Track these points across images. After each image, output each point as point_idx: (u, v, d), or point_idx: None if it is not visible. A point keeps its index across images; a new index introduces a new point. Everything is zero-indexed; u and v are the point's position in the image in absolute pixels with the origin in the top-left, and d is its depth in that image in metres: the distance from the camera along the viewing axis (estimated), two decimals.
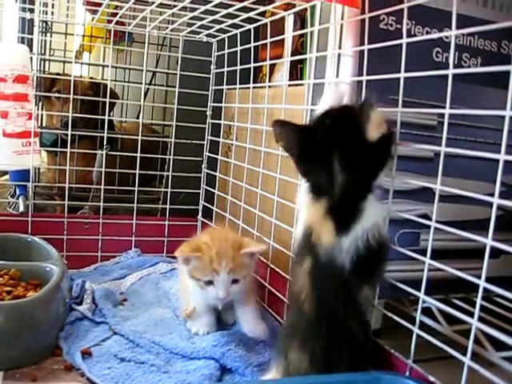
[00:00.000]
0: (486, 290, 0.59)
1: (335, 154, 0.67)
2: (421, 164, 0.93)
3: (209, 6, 1.08)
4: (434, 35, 0.91)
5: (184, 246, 0.98)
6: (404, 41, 0.74)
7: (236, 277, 0.94)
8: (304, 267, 0.70)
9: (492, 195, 0.57)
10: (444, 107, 0.66)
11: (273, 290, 1.10)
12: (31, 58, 1.37)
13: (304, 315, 0.70)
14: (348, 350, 0.68)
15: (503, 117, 0.56)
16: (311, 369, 0.68)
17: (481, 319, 0.61)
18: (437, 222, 0.68)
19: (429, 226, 0.69)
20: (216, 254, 0.93)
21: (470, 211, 0.94)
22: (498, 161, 0.57)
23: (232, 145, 1.42)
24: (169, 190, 1.50)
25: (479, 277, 0.59)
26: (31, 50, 1.44)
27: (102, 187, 1.43)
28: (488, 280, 0.59)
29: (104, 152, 1.47)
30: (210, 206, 1.49)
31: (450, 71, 0.65)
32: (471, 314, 0.61)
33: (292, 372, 0.71)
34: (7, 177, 1.64)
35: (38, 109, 1.55)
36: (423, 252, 0.70)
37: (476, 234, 0.61)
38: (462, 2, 0.96)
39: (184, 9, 1.16)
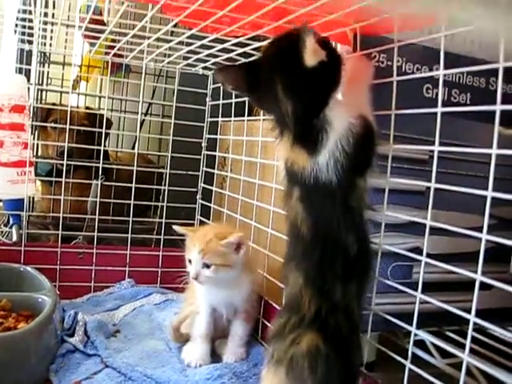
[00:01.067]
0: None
1: (277, 83, 0.68)
2: (412, 197, 0.94)
3: (205, 41, 1.10)
4: (424, 74, 0.93)
5: (180, 226, 1.07)
6: (395, 79, 0.76)
7: (206, 261, 0.98)
8: (294, 196, 0.71)
9: (482, 228, 0.58)
10: (434, 142, 0.68)
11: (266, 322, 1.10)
12: (28, 88, 1.39)
13: (301, 238, 0.71)
14: (341, 263, 0.68)
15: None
16: (306, 285, 0.69)
17: (474, 352, 0.61)
18: (428, 254, 0.69)
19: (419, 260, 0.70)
20: (197, 236, 1.01)
21: (461, 244, 0.95)
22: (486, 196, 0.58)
23: (227, 176, 1.43)
24: (163, 220, 1.50)
25: (471, 309, 0.59)
26: (28, 80, 1.46)
27: (97, 217, 1.43)
28: (480, 312, 0.59)
29: (99, 182, 1.47)
30: None
31: (439, 109, 0.67)
32: (464, 347, 0.62)
33: (291, 292, 0.72)
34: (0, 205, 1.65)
35: (33, 138, 1.56)
36: (416, 285, 0.71)
37: (468, 266, 0.62)
38: (451, 41, 0.98)
39: (181, 43, 1.18)
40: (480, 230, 0.59)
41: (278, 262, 1.03)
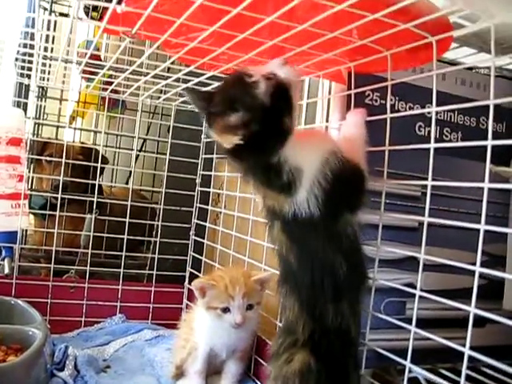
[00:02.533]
0: (473, 360, 0.59)
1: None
2: (405, 233, 0.95)
3: (202, 79, 1.12)
4: (417, 111, 0.96)
5: (197, 280, 1.04)
6: (388, 116, 0.78)
7: (250, 302, 0.98)
8: (276, 228, 0.73)
9: (474, 264, 0.59)
10: (427, 179, 0.69)
11: (259, 358, 1.09)
12: (25, 122, 1.40)
13: (289, 265, 0.72)
14: (331, 284, 0.69)
15: (483, 188, 0.59)
16: (300, 309, 0.70)
17: None
18: (422, 290, 0.70)
19: (414, 295, 0.70)
20: (230, 281, 0.99)
21: (455, 280, 0.96)
22: (479, 230, 0.59)
23: (220, 213, 1.44)
24: (156, 255, 1.50)
25: (464, 346, 0.59)
26: (25, 113, 1.48)
27: (90, 251, 1.43)
28: (474, 349, 0.59)
29: (93, 216, 1.47)
30: (197, 273, 1.49)
31: (432, 145, 0.68)
32: None
33: (288, 316, 0.73)
34: None
35: (28, 171, 1.57)
36: (410, 321, 0.71)
37: (460, 303, 0.62)
38: (442, 80, 1.01)
39: (177, 80, 1.20)
40: (473, 266, 0.60)
41: (272, 297, 1.03)
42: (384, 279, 0.79)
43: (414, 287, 0.71)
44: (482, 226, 0.57)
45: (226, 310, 0.97)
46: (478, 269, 0.58)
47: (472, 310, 0.58)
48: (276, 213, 0.71)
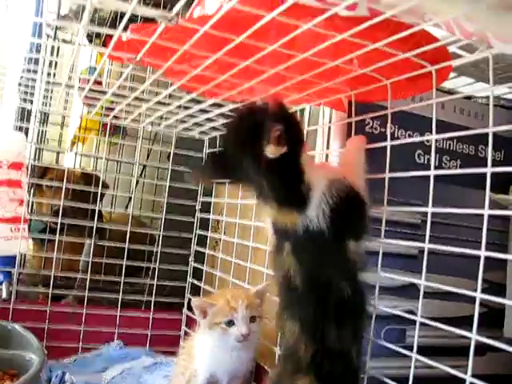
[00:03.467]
0: None
1: (248, 168, 0.72)
2: (405, 261, 0.95)
3: (203, 106, 1.13)
4: (417, 139, 0.97)
5: (197, 298, 1.06)
6: (388, 143, 0.78)
7: (253, 314, 0.98)
8: (285, 252, 0.72)
9: (474, 292, 0.59)
10: (426, 205, 0.70)
11: None
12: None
13: (294, 288, 0.71)
14: (335, 307, 0.69)
15: (482, 216, 0.59)
16: (302, 332, 0.70)
17: None
18: (422, 318, 0.70)
19: (414, 323, 0.70)
20: (231, 296, 1.00)
21: (455, 308, 0.96)
22: (479, 258, 0.59)
23: (220, 239, 1.44)
24: (155, 282, 1.49)
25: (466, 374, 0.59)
26: (27, 138, 1.48)
27: (88, 276, 1.42)
28: (474, 378, 0.59)
29: (92, 241, 1.47)
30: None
31: (432, 172, 0.69)
32: None
33: (288, 341, 0.73)
34: None
35: (29, 196, 1.57)
36: (410, 348, 0.71)
37: (461, 330, 0.62)
38: (441, 109, 1.02)
39: (178, 107, 1.21)
40: (474, 292, 0.60)
41: (271, 324, 1.02)
42: (384, 306, 0.79)
43: (414, 315, 0.71)
44: (483, 253, 0.58)
45: (230, 322, 0.97)
46: (478, 295, 0.58)
47: (473, 336, 0.58)
48: (287, 233, 0.71)
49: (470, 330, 0.59)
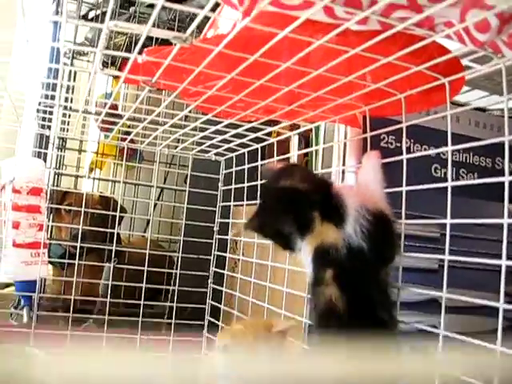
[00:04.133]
0: None
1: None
2: (425, 275, 0.94)
3: (219, 127, 1.14)
4: (432, 151, 0.97)
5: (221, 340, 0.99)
6: (404, 157, 0.79)
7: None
8: (326, 280, 0.70)
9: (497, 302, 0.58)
10: (445, 217, 0.69)
11: None
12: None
13: (336, 315, 0.69)
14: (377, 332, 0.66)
15: (501, 228, 0.59)
16: None
17: None
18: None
19: (436, 338, 0.69)
20: (253, 337, 0.94)
21: (476, 322, 0.94)
22: (499, 271, 0.59)
23: (238, 260, 1.44)
24: (174, 304, 1.49)
25: None
26: (45, 164, 1.51)
27: (108, 300, 1.43)
28: None
29: (112, 265, 1.48)
30: (215, 321, 1.48)
31: (449, 184, 0.69)
32: None
33: None
34: (10, 288, 1.65)
35: (48, 221, 1.59)
36: None
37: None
38: (457, 122, 1.02)
39: (194, 129, 1.23)
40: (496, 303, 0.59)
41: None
42: (406, 321, 0.78)
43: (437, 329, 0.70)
44: (504, 262, 0.57)
45: None
46: (502, 305, 0.57)
47: (498, 348, 0.57)
48: (328, 254, 0.70)
49: (494, 343, 0.58)
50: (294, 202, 0.72)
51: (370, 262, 0.68)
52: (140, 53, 0.74)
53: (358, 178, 0.90)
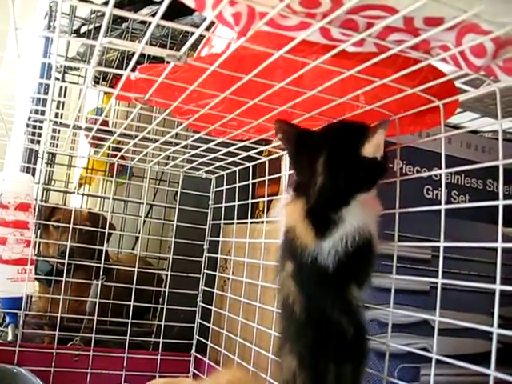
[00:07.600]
0: None
1: (322, 154, 0.69)
2: (417, 297, 0.94)
3: (211, 145, 1.14)
4: (427, 173, 0.97)
5: None
6: (398, 178, 0.78)
7: None
8: (286, 271, 0.70)
9: (491, 327, 0.58)
10: (436, 241, 0.69)
11: None
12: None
13: (294, 318, 0.68)
14: (335, 346, 0.66)
15: (495, 250, 0.59)
16: (299, 368, 0.66)
17: None
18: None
19: (429, 360, 0.68)
20: None
21: (469, 345, 0.94)
22: (491, 293, 0.58)
23: (228, 279, 1.43)
24: (162, 323, 1.47)
25: None
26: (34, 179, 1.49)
27: (95, 318, 1.41)
28: None
29: (99, 282, 1.46)
30: (204, 340, 1.46)
31: (443, 206, 0.68)
32: None
33: (284, 378, 0.69)
34: None
35: (35, 237, 1.57)
36: None
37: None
38: (448, 144, 1.03)
39: (185, 146, 1.22)
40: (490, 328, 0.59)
41: None
42: (397, 344, 0.78)
43: (428, 352, 0.69)
44: (498, 286, 0.57)
45: None
46: (495, 330, 0.57)
47: (492, 373, 0.56)
48: (294, 251, 0.69)
49: (486, 367, 0.58)
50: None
51: (332, 280, 0.67)
52: (133, 70, 0.74)
53: None
